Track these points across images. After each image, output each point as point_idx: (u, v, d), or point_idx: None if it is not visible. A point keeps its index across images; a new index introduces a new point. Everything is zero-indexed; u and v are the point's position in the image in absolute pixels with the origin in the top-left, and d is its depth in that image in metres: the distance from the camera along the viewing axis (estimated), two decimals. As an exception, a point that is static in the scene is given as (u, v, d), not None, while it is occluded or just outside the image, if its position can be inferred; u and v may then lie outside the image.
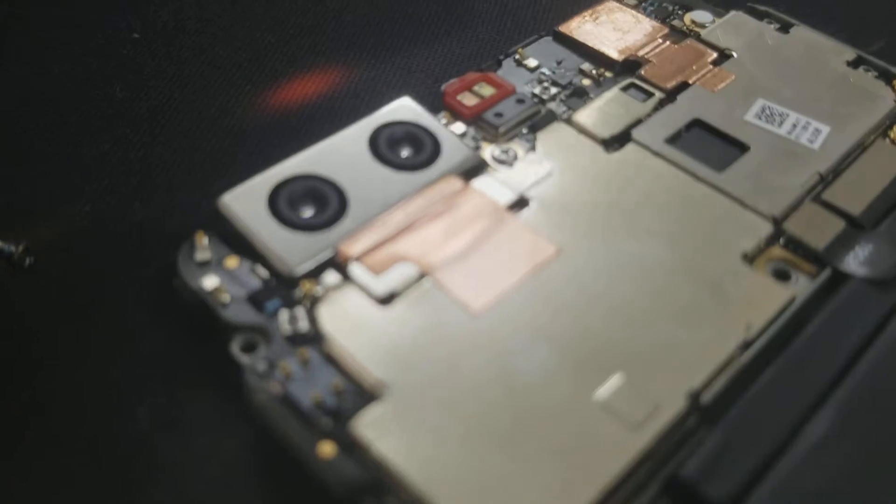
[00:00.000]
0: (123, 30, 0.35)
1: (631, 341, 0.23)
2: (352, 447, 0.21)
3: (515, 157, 0.28)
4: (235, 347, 0.23)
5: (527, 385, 0.22)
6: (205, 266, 0.25)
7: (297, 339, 0.23)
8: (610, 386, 0.22)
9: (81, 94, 0.32)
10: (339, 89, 0.33)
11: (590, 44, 0.33)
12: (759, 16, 0.35)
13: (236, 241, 0.25)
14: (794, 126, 0.29)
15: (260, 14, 0.36)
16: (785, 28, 0.34)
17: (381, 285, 0.24)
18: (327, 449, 0.20)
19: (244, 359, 0.23)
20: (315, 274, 0.24)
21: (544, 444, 0.21)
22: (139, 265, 0.26)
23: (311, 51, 0.35)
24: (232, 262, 0.25)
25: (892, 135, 0.30)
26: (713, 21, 0.34)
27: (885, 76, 0.32)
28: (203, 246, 0.25)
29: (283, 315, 0.23)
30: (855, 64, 0.33)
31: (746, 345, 0.23)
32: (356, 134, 0.28)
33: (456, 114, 0.30)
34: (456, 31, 0.37)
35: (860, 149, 0.29)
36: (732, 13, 0.35)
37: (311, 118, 0.32)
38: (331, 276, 0.24)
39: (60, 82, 0.32)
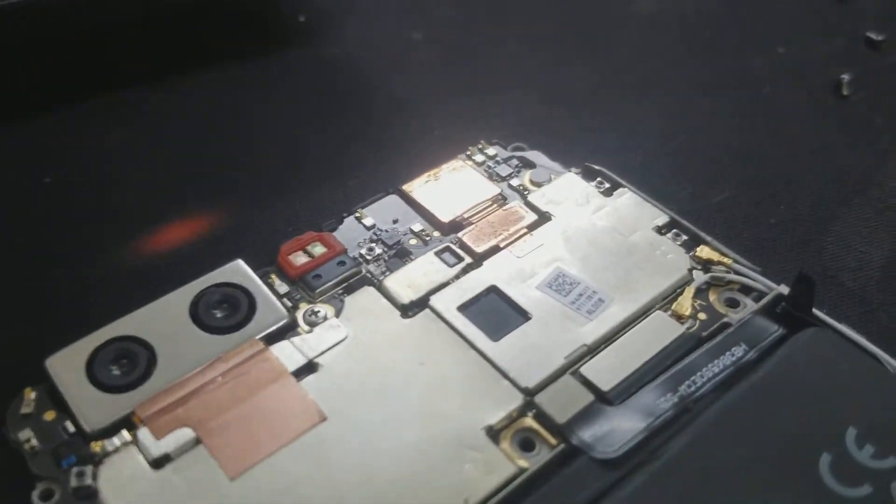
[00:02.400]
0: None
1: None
2: None
3: (325, 319, 0.32)
4: (35, 495, 0.27)
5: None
6: (27, 418, 0.29)
7: (82, 495, 0.27)
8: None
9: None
10: (217, 231, 0.38)
11: (424, 204, 0.36)
12: (593, 176, 0.38)
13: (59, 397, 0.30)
14: (580, 296, 0.32)
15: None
16: (611, 190, 0.37)
17: (156, 448, 0.28)
18: None
19: (39, 505, 0.27)
20: (111, 433, 0.29)
21: None
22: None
23: (195, 196, 0.40)
24: (50, 415, 0.29)
25: (673, 306, 0.32)
26: (549, 180, 0.38)
27: (694, 241, 0.35)
28: (29, 400, 0.29)
29: (74, 471, 0.28)
30: (669, 227, 0.35)
31: (461, 518, 0.26)
32: (181, 295, 0.32)
33: (283, 273, 0.34)
34: (334, 176, 0.41)
35: (638, 321, 0.32)
36: (566, 174, 0.38)
37: (175, 263, 0.37)
38: (121, 437, 0.29)
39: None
